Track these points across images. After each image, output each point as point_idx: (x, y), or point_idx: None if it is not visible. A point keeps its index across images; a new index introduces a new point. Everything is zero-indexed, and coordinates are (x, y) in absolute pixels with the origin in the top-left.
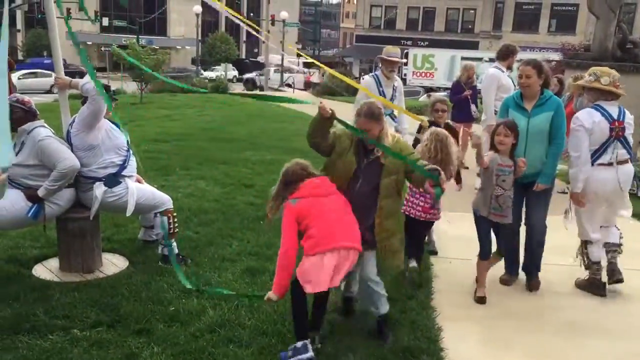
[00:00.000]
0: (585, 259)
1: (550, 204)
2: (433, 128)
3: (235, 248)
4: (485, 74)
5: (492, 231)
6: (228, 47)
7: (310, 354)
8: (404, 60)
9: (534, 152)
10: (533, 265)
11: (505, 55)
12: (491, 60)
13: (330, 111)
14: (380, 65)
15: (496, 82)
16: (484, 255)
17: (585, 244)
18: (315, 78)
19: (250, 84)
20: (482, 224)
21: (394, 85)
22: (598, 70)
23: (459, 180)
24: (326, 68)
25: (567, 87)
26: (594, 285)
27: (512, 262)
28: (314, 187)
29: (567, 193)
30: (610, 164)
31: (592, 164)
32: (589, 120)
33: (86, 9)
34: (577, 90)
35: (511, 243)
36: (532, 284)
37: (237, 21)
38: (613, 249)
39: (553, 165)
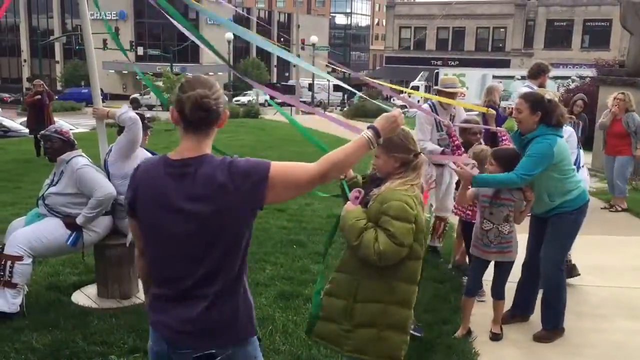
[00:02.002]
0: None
1: (583, 226)
2: (477, 146)
3: (268, 272)
4: (516, 92)
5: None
6: (259, 72)
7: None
8: (463, 90)
9: (536, 191)
10: (545, 314)
11: (537, 73)
12: (523, 78)
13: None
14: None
15: None
16: (468, 291)
17: None
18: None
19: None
20: (475, 260)
21: (451, 115)
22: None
23: None
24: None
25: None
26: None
27: (520, 300)
28: None
29: (608, 209)
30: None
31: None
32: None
33: (120, 42)
34: (623, 108)
35: (524, 278)
36: (536, 334)
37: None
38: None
39: (494, 179)
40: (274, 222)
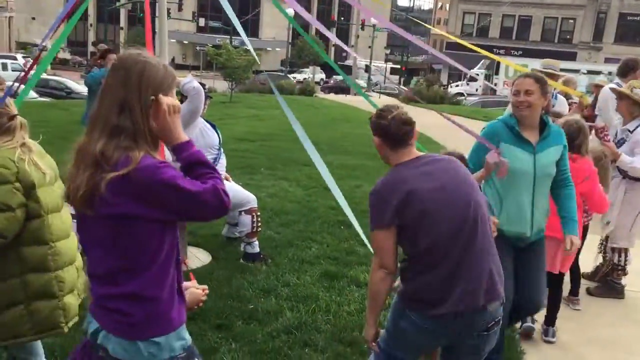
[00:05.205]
0: (622, 265)
1: None
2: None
3: (314, 251)
4: (602, 91)
5: None
6: (317, 50)
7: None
8: (563, 75)
9: (542, 203)
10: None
11: (626, 71)
12: (590, 72)
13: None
14: None
15: (613, 99)
16: None
17: (626, 251)
18: None
19: None
20: None
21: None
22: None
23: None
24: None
25: None
26: (615, 290)
27: None
28: None
29: None
30: None
31: None
32: None
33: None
34: None
35: None
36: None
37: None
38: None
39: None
40: (322, 202)
